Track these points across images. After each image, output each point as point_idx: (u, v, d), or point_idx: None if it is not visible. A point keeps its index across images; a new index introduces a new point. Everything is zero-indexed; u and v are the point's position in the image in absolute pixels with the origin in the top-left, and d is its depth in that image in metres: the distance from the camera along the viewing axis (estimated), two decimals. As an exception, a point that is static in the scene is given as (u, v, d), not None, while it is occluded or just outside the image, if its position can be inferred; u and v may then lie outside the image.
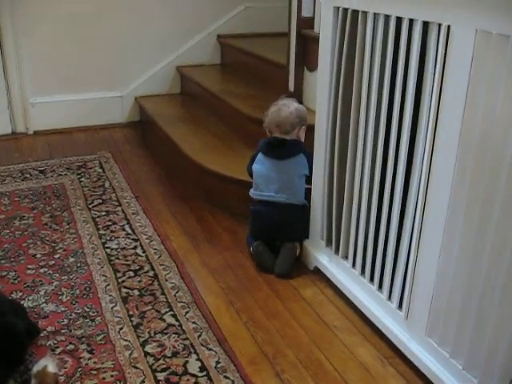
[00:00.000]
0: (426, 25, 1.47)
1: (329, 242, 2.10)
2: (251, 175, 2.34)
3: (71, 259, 2.24)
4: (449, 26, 1.37)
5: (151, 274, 2.16)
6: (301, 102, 2.54)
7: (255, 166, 2.29)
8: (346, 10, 1.77)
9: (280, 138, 2.25)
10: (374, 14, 1.65)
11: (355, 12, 1.73)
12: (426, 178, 1.52)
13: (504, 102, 1.24)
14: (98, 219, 2.58)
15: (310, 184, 2.17)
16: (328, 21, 1.86)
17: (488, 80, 1.28)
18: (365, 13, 1.69)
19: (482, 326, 1.39)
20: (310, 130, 2.17)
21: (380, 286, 1.82)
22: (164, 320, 1.90)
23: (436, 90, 1.44)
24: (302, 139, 2.28)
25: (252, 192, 2.30)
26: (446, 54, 1.39)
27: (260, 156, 2.28)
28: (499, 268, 1.32)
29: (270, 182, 2.24)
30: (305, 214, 2.22)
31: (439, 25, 1.40)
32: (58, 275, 2.13)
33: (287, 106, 2.24)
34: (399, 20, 1.56)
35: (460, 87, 1.35)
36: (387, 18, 1.61)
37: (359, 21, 1.72)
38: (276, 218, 2.22)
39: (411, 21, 1.52)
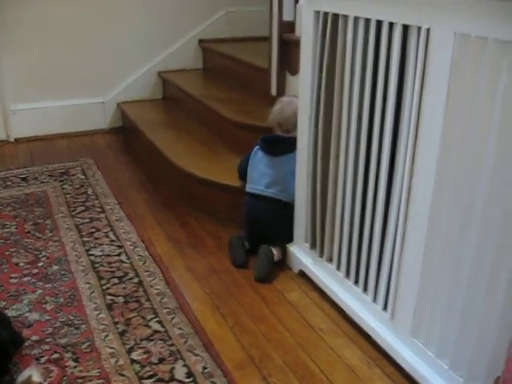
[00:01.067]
0: (405, 28, 1.48)
1: (313, 245, 2.11)
2: (240, 172, 2.38)
3: (55, 267, 2.22)
4: (428, 29, 1.38)
5: (136, 280, 2.15)
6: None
7: (252, 161, 2.31)
8: (326, 13, 1.78)
9: (278, 136, 2.28)
10: (355, 17, 1.66)
11: (335, 16, 1.74)
12: (409, 181, 1.53)
13: (483, 102, 1.26)
14: (81, 226, 2.56)
15: None
16: (309, 25, 1.87)
17: (468, 81, 1.29)
18: (345, 16, 1.70)
19: (467, 325, 1.41)
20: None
21: (365, 288, 1.83)
22: (149, 326, 1.89)
23: (417, 91, 1.45)
24: None
25: (246, 186, 2.33)
26: (426, 56, 1.40)
27: (258, 151, 2.30)
28: (482, 268, 1.33)
29: (262, 176, 2.27)
30: (293, 212, 2.23)
31: (419, 28, 1.42)
32: (41, 283, 2.11)
33: (290, 106, 2.26)
34: (379, 23, 1.58)
35: (440, 89, 1.36)
36: (367, 21, 1.62)
37: (340, 24, 1.73)
38: (263, 213, 2.24)
39: (391, 24, 1.53)
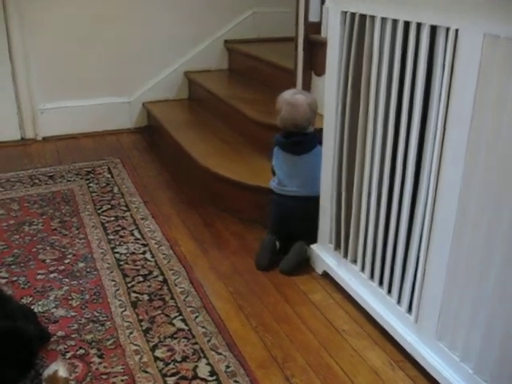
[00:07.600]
0: (433, 29, 1.47)
1: (337, 246, 2.10)
2: (272, 171, 2.36)
3: (81, 264, 2.25)
4: (457, 30, 1.37)
5: (160, 278, 2.16)
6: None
7: (276, 163, 2.31)
8: (353, 14, 1.77)
9: (298, 134, 2.23)
10: (382, 18, 1.65)
11: (363, 16, 1.74)
12: (435, 182, 1.52)
13: (513, 105, 1.25)
14: (106, 224, 2.59)
15: None
16: (335, 25, 1.87)
17: (496, 83, 1.28)
18: (372, 17, 1.69)
19: (492, 329, 1.39)
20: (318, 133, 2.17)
21: (389, 290, 1.82)
22: (173, 324, 1.90)
23: (444, 94, 1.44)
24: (314, 125, 2.27)
25: (274, 186, 2.32)
26: (454, 58, 1.39)
27: (278, 151, 2.29)
28: (509, 270, 1.31)
29: (292, 177, 2.27)
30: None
31: (447, 29, 1.41)
32: (67, 280, 2.14)
33: (301, 105, 2.20)
34: (407, 24, 1.57)
35: (468, 91, 1.35)
36: (395, 22, 1.61)
37: (367, 25, 1.72)
38: (291, 212, 2.26)
39: (419, 25, 1.52)
